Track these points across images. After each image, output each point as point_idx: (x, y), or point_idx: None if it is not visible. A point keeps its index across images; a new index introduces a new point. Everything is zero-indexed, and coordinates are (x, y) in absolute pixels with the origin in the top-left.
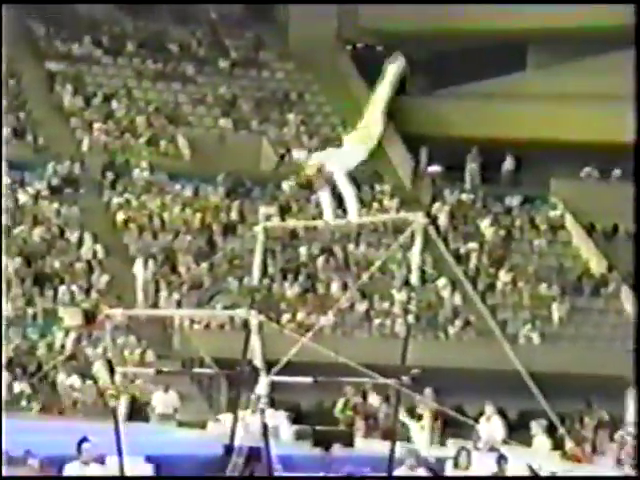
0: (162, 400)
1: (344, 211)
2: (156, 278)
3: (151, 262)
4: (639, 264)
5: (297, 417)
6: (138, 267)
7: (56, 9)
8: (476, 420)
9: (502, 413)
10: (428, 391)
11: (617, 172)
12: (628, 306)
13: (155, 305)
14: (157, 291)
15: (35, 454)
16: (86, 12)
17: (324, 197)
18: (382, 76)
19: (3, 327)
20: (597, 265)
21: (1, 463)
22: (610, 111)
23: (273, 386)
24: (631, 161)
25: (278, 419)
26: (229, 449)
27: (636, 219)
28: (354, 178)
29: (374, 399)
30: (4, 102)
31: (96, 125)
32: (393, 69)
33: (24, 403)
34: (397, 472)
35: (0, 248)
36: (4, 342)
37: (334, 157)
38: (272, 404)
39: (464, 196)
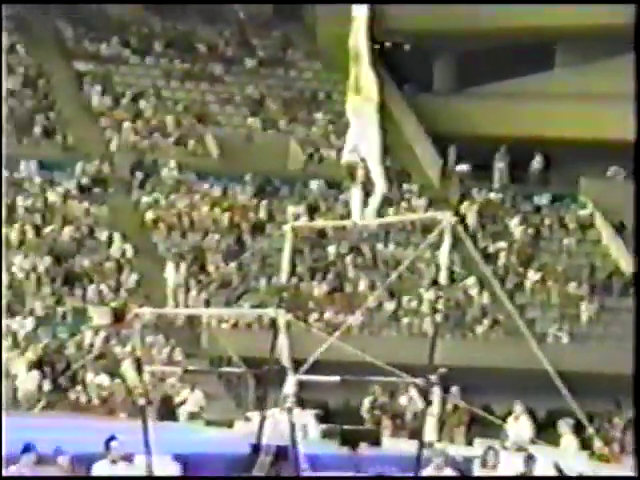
0: (189, 399)
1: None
2: (186, 279)
3: (183, 266)
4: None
5: (324, 416)
6: (169, 271)
7: (84, 10)
8: (504, 419)
9: (530, 412)
10: (455, 390)
11: None
12: None
13: (184, 304)
14: (186, 291)
15: (65, 452)
16: (114, 13)
17: (355, 195)
18: (351, 26)
19: (32, 325)
20: (627, 264)
21: (1, 462)
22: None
23: (301, 385)
24: None
25: (306, 418)
26: (256, 448)
27: (636, 218)
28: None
29: (402, 398)
30: (34, 102)
31: (125, 125)
32: (358, 12)
33: (53, 401)
34: (424, 472)
35: (0, 243)
36: (34, 341)
37: (360, 141)
38: (300, 403)
39: (492, 195)
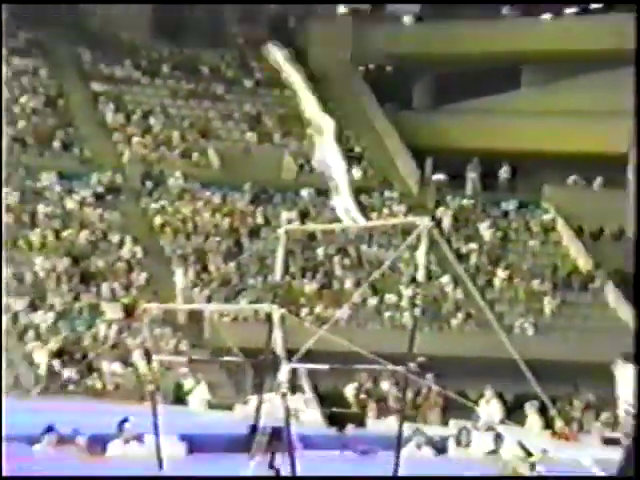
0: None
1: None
2: (193, 282)
3: (190, 271)
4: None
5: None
6: (178, 276)
7: (101, 36)
8: (476, 403)
9: (500, 396)
10: (429, 376)
11: (600, 180)
12: (612, 300)
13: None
14: (191, 288)
15: (82, 433)
16: (127, 38)
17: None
18: (282, 70)
19: (53, 319)
20: (585, 263)
21: (1, 460)
22: (596, 124)
23: (294, 372)
24: (614, 170)
25: (303, 402)
26: (254, 429)
27: (637, 220)
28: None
29: (385, 384)
30: (54, 119)
31: (135, 139)
32: (281, 57)
33: (72, 387)
34: (405, 449)
35: (0, 243)
36: (54, 333)
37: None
38: (294, 389)
39: (465, 202)
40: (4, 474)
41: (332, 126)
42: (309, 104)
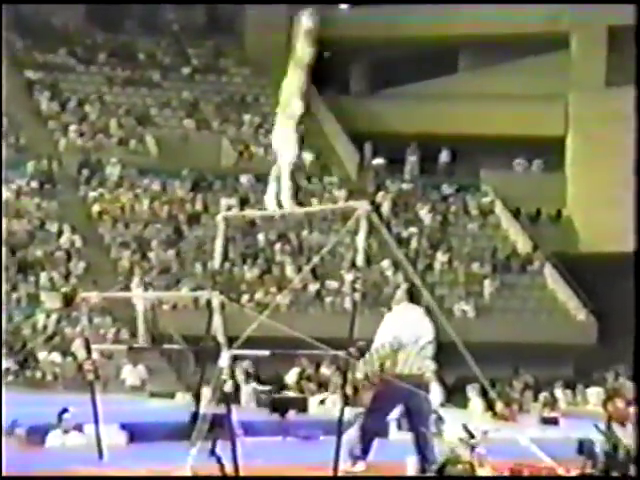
0: (132, 373)
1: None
2: (130, 268)
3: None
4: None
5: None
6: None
7: (34, 23)
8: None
9: (441, 379)
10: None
11: (539, 163)
12: (550, 282)
13: (127, 288)
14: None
15: (21, 424)
16: (61, 25)
17: (271, 188)
18: (298, 36)
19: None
20: (523, 245)
21: (1, 460)
22: (533, 108)
23: (235, 359)
24: (550, 152)
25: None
26: (195, 416)
27: (636, 217)
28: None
29: (326, 369)
30: None
31: (71, 127)
32: (307, 22)
33: (10, 378)
34: (346, 433)
35: (0, 243)
36: None
37: (278, 150)
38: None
39: (404, 186)
40: (4, 474)
41: (300, 112)
42: (291, 85)
